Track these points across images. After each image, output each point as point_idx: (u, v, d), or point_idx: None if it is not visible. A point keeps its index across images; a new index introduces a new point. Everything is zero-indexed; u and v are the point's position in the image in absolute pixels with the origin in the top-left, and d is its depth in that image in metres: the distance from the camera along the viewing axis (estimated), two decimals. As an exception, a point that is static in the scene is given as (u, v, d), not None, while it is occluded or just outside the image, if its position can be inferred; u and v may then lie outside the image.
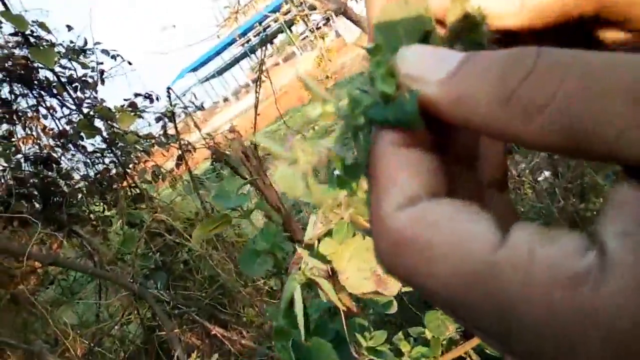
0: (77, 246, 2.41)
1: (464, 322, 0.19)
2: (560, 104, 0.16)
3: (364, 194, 0.22)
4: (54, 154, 2.55)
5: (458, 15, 0.21)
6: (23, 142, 2.72)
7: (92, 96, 2.48)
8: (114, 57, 2.64)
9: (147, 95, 2.91)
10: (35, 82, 2.53)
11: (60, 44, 2.52)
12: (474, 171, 0.26)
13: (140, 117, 2.93)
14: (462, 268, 0.17)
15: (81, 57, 2.43)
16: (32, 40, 2.17)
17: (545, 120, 0.17)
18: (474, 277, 0.17)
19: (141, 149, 2.69)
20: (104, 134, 2.49)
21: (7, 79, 2.27)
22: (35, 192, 2.60)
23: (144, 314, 2.30)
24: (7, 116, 2.56)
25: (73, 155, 2.60)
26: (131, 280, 1.85)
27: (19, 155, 2.64)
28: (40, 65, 2.30)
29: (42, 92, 2.38)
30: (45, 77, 2.59)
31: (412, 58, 0.20)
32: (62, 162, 2.79)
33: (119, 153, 2.65)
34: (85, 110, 2.46)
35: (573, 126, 0.16)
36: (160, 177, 2.69)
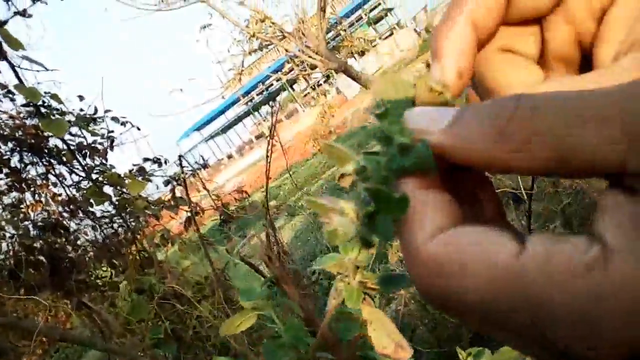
0: (86, 316, 2.37)
1: (500, 331, 0.21)
2: (543, 134, 0.20)
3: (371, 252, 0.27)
4: (63, 221, 2.55)
5: (424, 89, 0.27)
6: (32, 209, 2.72)
7: (101, 163, 2.50)
8: (123, 123, 2.68)
9: (155, 159, 2.93)
10: (45, 150, 2.56)
11: (71, 112, 2.57)
12: (476, 209, 0.30)
13: (149, 181, 2.94)
14: (492, 278, 0.20)
15: (91, 124, 2.47)
16: (43, 110, 2.20)
17: (533, 148, 0.21)
18: (504, 282, 0.20)
19: (150, 213, 2.68)
20: (114, 199, 2.49)
21: (18, 148, 2.30)
22: (43, 259, 2.58)
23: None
24: (16, 184, 2.57)
25: (81, 220, 2.60)
26: (141, 353, 1.80)
27: (27, 222, 2.64)
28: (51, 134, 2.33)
29: (52, 160, 2.41)
30: (55, 145, 2.62)
31: (417, 116, 0.25)
32: (70, 227, 2.78)
33: (128, 218, 2.64)
34: (94, 177, 2.47)
35: (557, 151, 0.20)
36: (169, 241, 2.68)
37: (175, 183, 2.92)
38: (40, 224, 2.69)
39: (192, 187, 4.09)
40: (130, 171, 2.65)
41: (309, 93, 48.23)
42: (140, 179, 3.03)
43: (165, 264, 2.60)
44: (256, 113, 53.41)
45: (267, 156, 1.96)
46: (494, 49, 0.31)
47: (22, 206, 2.72)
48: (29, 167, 2.52)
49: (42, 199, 2.55)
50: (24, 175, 2.58)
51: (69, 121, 2.48)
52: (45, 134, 2.46)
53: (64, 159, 2.40)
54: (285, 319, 0.73)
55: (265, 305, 0.77)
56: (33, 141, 2.33)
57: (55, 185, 2.56)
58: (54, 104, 2.28)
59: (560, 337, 0.19)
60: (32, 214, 2.70)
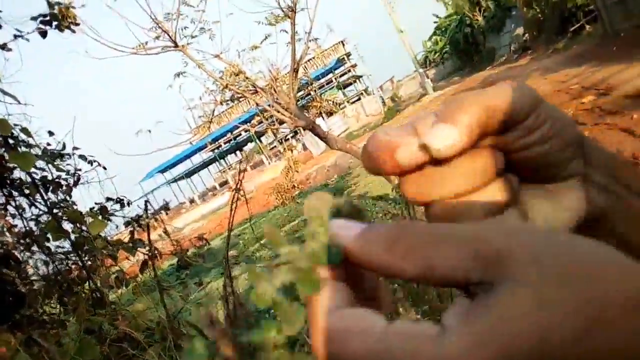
0: (33, 355, 2.30)
1: None
2: (416, 251, 0.28)
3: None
4: (16, 253, 2.51)
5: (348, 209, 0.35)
6: (-16, 239, 2.66)
7: (64, 199, 2.50)
8: (90, 162, 2.70)
9: (118, 199, 2.94)
10: (8, 181, 2.55)
11: (37, 146, 2.58)
12: (367, 295, 0.36)
13: (109, 220, 2.94)
14: (365, 345, 0.26)
15: (58, 160, 2.48)
16: (11, 142, 2.21)
17: (410, 260, 0.28)
18: (373, 349, 0.26)
19: (108, 253, 2.67)
20: (72, 237, 2.48)
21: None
22: (-11, 292, 2.51)
23: None
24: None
25: (33, 253, 2.56)
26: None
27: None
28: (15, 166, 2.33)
29: (12, 191, 2.39)
30: (19, 177, 2.61)
31: (335, 226, 0.33)
32: (22, 261, 2.73)
33: (85, 256, 2.62)
34: (55, 212, 2.47)
35: (424, 265, 0.28)
36: (123, 283, 2.65)
37: (136, 225, 2.92)
38: (-9, 255, 2.63)
39: (151, 228, 4.06)
40: (91, 209, 2.65)
41: (275, 146, 48.72)
42: (100, 218, 3.02)
43: (117, 306, 2.57)
44: (222, 160, 53.26)
45: (231, 208, 2.01)
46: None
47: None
48: (-13, 196, 2.49)
49: (-2, 229, 2.51)
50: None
51: (36, 155, 2.49)
52: (10, 165, 2.46)
53: (27, 191, 2.39)
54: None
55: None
56: (-4, 171, 2.32)
57: (13, 216, 2.53)
58: (23, 137, 2.30)
59: None
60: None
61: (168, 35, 10.44)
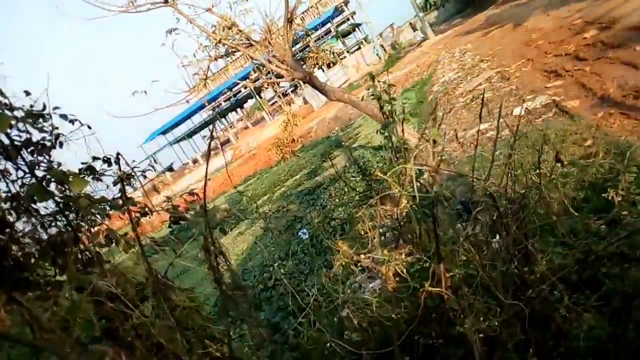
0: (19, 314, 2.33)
1: None
2: None
3: None
4: (6, 217, 2.50)
5: None
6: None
7: (49, 160, 2.48)
8: (72, 121, 2.66)
9: (105, 158, 2.91)
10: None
11: (21, 109, 2.53)
12: None
13: (99, 180, 2.92)
14: None
15: (39, 121, 2.44)
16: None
17: None
18: None
19: (96, 212, 2.66)
20: (57, 197, 2.46)
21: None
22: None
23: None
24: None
25: (20, 216, 2.55)
26: (69, 350, 1.79)
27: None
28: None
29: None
30: (0, 140, 2.57)
31: None
32: (15, 225, 2.73)
33: (73, 217, 2.61)
34: (40, 174, 2.45)
35: None
36: (113, 240, 2.65)
37: (125, 183, 2.90)
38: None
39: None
40: (80, 170, 2.63)
41: (276, 102, 48.36)
42: (90, 178, 3.01)
43: (109, 265, 2.58)
44: (223, 119, 53.03)
45: (205, 177, 1.97)
46: None
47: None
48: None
49: (-16, 195, 2.49)
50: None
51: (16, 117, 2.45)
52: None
53: (9, 155, 2.36)
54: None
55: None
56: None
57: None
58: (-1, 98, 2.25)
59: None
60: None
61: (157, -13, 10.20)
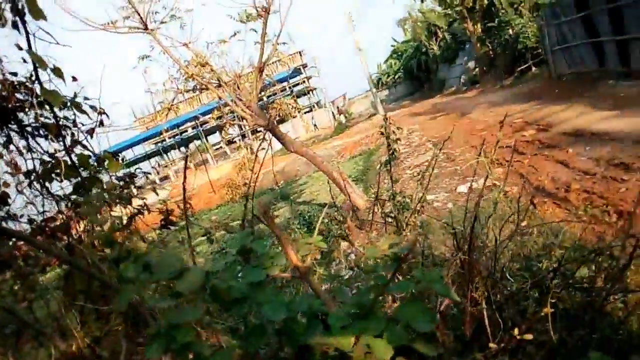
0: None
1: None
2: None
3: None
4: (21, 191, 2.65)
5: None
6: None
7: (83, 141, 2.68)
8: (100, 113, 2.89)
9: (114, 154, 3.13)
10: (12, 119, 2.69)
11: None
12: None
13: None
14: None
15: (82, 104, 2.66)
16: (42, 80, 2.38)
17: None
18: None
19: (105, 201, 2.84)
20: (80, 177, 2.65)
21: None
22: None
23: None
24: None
25: (41, 191, 2.70)
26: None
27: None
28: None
29: (35, 133, 2.54)
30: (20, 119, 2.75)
31: None
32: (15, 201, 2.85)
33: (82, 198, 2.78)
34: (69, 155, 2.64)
35: None
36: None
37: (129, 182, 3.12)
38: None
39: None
40: (105, 151, 2.83)
41: (221, 147, 48.51)
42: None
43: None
44: (165, 155, 52.22)
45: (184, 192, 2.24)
46: None
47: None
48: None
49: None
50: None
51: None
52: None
53: (43, 132, 2.55)
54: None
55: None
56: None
57: (22, 154, 2.67)
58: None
59: None
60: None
61: (139, 15, 10.47)
